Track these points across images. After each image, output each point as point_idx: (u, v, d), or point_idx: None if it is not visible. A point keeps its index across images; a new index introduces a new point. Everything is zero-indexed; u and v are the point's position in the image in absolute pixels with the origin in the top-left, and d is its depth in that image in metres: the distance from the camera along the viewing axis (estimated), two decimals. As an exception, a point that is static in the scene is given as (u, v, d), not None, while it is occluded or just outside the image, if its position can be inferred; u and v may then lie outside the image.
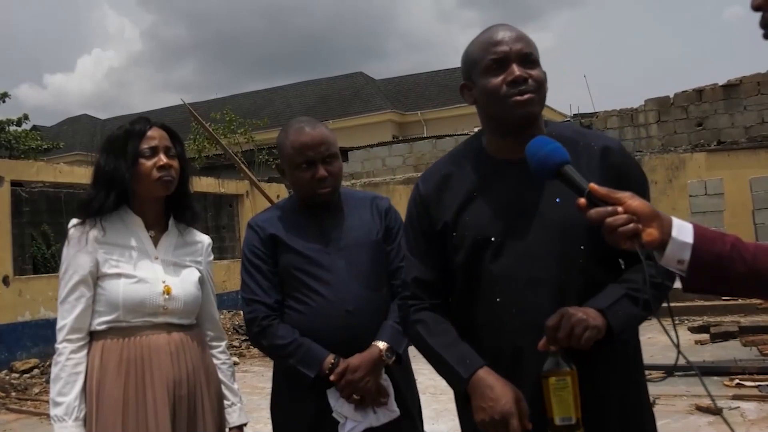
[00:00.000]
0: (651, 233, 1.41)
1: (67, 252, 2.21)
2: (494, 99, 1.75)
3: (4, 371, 9.08)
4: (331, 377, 2.23)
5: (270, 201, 11.71)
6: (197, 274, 2.32)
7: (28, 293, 9.68)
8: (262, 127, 22.63)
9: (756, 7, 1.30)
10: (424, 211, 1.88)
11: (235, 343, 10.62)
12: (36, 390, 8.32)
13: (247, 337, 2.47)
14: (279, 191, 14.02)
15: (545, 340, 1.63)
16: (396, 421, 2.31)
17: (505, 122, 1.77)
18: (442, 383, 1.91)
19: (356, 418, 2.26)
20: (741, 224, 13.26)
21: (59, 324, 2.17)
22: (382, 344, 2.28)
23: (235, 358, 9.63)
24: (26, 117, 23.65)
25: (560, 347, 1.61)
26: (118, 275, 2.17)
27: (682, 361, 1.44)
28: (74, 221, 2.23)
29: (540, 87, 1.76)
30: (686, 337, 8.14)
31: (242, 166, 14.31)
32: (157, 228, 2.30)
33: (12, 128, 23.12)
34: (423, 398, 2.51)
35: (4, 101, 23.10)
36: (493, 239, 1.76)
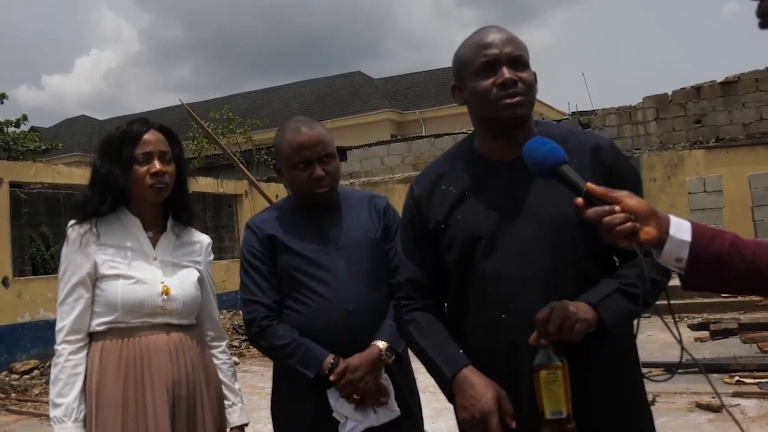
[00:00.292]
0: (649, 232, 1.41)
1: (66, 253, 2.22)
2: (484, 101, 1.78)
3: (4, 372, 9.08)
4: (331, 377, 2.23)
5: (269, 201, 11.71)
6: (196, 275, 2.31)
7: (28, 294, 9.67)
8: (260, 126, 22.62)
9: None
10: (416, 213, 1.91)
11: (235, 343, 10.61)
12: (36, 391, 8.31)
13: (247, 338, 2.48)
14: (278, 191, 14.01)
15: (536, 334, 1.64)
16: (396, 420, 2.31)
17: (495, 123, 1.80)
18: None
19: (356, 417, 2.26)
20: (740, 221, 13.27)
21: (58, 325, 2.17)
22: (381, 344, 2.28)
23: (235, 358, 9.63)
24: (25, 118, 23.64)
25: (551, 341, 1.62)
26: (117, 276, 2.17)
27: (686, 358, 1.45)
28: (72, 223, 2.23)
29: (530, 89, 1.78)
30: (686, 335, 8.14)
31: (241, 166, 14.32)
32: (155, 229, 2.30)
33: (10, 129, 23.10)
34: (423, 397, 2.51)
35: (2, 102, 23.09)
36: (484, 238, 1.78)
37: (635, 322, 1.74)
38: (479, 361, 1.77)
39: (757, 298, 9.40)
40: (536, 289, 1.73)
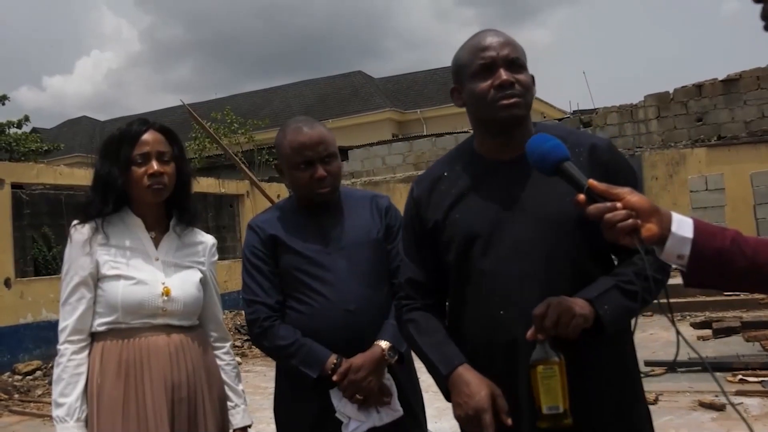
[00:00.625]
0: (650, 228, 1.42)
1: (68, 254, 2.22)
2: (482, 103, 1.81)
3: (7, 373, 9.08)
4: (334, 377, 2.22)
5: (270, 201, 11.69)
6: (199, 275, 2.31)
7: (30, 295, 9.67)
8: (262, 127, 22.62)
9: None
10: (416, 213, 1.95)
11: (238, 343, 10.62)
12: (38, 392, 8.32)
13: (249, 338, 2.48)
14: (279, 191, 14.00)
15: (533, 329, 1.66)
16: (399, 420, 2.31)
17: (493, 124, 1.83)
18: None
19: (359, 418, 2.26)
20: (742, 219, 13.24)
21: (61, 325, 2.18)
22: (384, 343, 2.28)
23: (238, 358, 9.61)
24: (27, 119, 23.65)
25: (548, 336, 1.64)
26: (118, 277, 2.17)
27: (693, 356, 1.45)
28: (75, 223, 2.24)
29: (527, 91, 1.82)
30: (688, 333, 8.13)
31: (242, 166, 14.30)
32: (158, 229, 2.30)
33: (12, 130, 23.13)
34: (426, 397, 2.50)
35: (3, 104, 23.11)
36: (481, 236, 1.81)
37: (633, 319, 1.75)
38: (478, 357, 1.80)
39: (760, 297, 9.39)
40: (533, 286, 1.75)
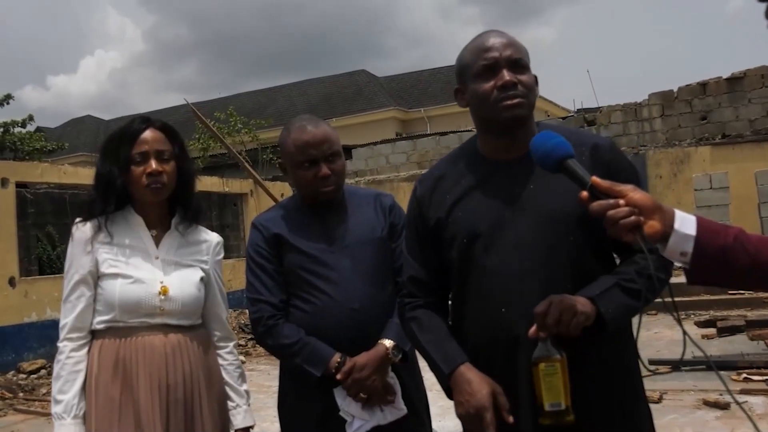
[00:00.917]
0: (653, 226, 1.43)
1: (70, 251, 2.23)
2: (485, 103, 1.83)
3: (11, 372, 9.11)
4: (338, 376, 2.22)
5: (274, 200, 11.72)
6: (200, 274, 2.30)
7: (34, 294, 9.69)
8: (265, 126, 22.62)
9: None
10: (419, 212, 1.97)
11: (242, 342, 10.62)
12: (43, 390, 8.34)
13: (253, 337, 2.48)
14: (283, 190, 14.02)
15: (535, 327, 1.67)
16: (403, 419, 2.30)
17: (496, 124, 1.84)
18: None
19: (363, 416, 2.26)
20: (746, 218, 13.23)
21: (61, 322, 2.19)
22: (388, 342, 2.28)
23: (242, 357, 9.62)
24: (31, 118, 23.66)
25: (550, 334, 1.65)
26: (116, 275, 2.17)
27: (697, 354, 1.46)
28: (78, 220, 2.24)
29: (529, 91, 1.83)
30: (693, 332, 8.11)
31: (246, 165, 14.32)
32: (160, 227, 2.29)
33: (16, 130, 23.15)
34: (430, 395, 2.50)
35: (8, 103, 23.14)
36: (483, 234, 1.82)
37: (634, 317, 1.77)
38: (481, 355, 1.82)
39: (765, 295, 9.37)
40: (535, 283, 1.76)
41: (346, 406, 2.26)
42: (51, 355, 9.25)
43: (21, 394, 8.15)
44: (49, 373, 8.88)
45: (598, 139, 1.91)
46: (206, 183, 13.54)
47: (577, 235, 1.77)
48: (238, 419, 2.32)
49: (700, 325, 8.61)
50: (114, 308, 2.15)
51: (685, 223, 1.43)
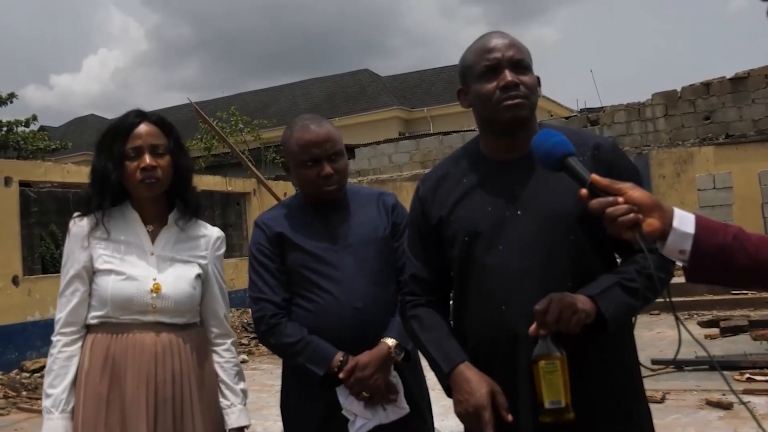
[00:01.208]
0: (652, 223, 1.43)
1: (67, 246, 2.23)
2: (487, 103, 1.84)
3: (15, 371, 9.12)
4: (340, 375, 2.22)
5: (277, 199, 11.73)
6: (196, 271, 2.26)
7: (38, 293, 9.71)
8: (268, 125, 22.63)
9: None
10: (421, 211, 1.99)
11: (244, 341, 10.63)
12: (46, 389, 8.34)
13: (256, 336, 2.49)
14: (286, 189, 14.03)
15: (535, 324, 1.68)
16: (406, 418, 2.30)
17: (497, 125, 1.86)
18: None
19: (366, 415, 2.26)
20: (750, 218, 13.22)
21: (56, 317, 2.19)
22: (390, 341, 2.28)
23: (245, 356, 9.64)
24: (34, 118, 23.75)
25: (550, 331, 1.66)
26: (109, 272, 2.16)
27: (700, 354, 1.47)
28: (75, 215, 2.23)
29: (531, 92, 1.84)
30: (696, 332, 8.08)
31: (249, 164, 14.34)
32: (157, 223, 2.27)
33: (20, 129, 23.21)
34: (432, 395, 2.50)
35: (11, 102, 23.20)
36: (484, 232, 1.84)
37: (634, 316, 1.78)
38: (481, 353, 1.84)
39: (768, 295, 9.35)
40: (535, 282, 1.77)
41: (349, 404, 2.26)
42: (54, 353, 9.30)
43: (24, 393, 8.16)
44: (52, 372, 8.89)
45: (600, 139, 1.93)
46: (209, 182, 13.56)
47: (578, 234, 1.79)
48: (232, 418, 2.26)
49: (703, 325, 8.59)
50: (107, 304, 2.15)
51: (684, 222, 1.44)
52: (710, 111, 16.20)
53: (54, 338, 2.17)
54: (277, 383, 2.55)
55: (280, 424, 2.49)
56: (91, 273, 2.18)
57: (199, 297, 2.28)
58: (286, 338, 2.28)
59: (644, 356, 1.89)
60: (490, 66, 1.83)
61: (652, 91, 17.35)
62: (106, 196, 2.19)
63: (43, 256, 13.76)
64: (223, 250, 2.40)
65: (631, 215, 1.43)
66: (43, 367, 9.06)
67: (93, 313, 2.18)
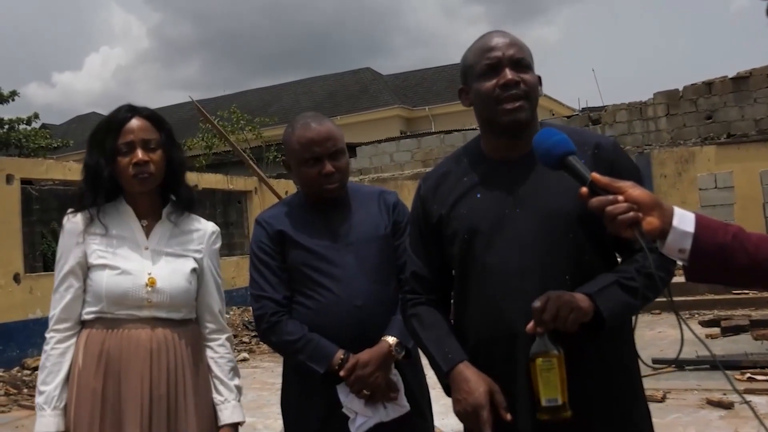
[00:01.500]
0: (651, 222, 1.44)
1: (61, 243, 2.22)
2: (487, 102, 1.85)
3: (16, 368, 9.13)
4: (341, 373, 2.23)
5: (278, 197, 11.73)
6: (191, 265, 2.25)
7: (39, 290, 9.70)
8: (270, 123, 22.64)
9: None
10: (422, 209, 2.00)
11: (245, 339, 10.64)
12: (47, 387, 8.34)
13: (257, 333, 2.48)
14: (287, 187, 14.03)
15: (533, 322, 1.68)
16: (406, 416, 2.31)
17: (497, 126, 1.87)
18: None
19: (366, 413, 2.26)
20: (751, 217, 13.21)
21: (50, 313, 2.18)
22: (391, 339, 2.28)
23: (245, 354, 9.65)
24: (36, 116, 23.78)
25: (547, 329, 1.66)
26: (103, 266, 2.15)
27: (701, 354, 1.47)
28: (69, 212, 2.23)
29: (531, 91, 1.85)
30: (697, 331, 8.07)
31: (250, 162, 14.33)
32: (151, 217, 2.25)
33: (22, 127, 23.24)
34: (433, 393, 2.50)
35: (13, 100, 23.22)
36: (484, 231, 1.84)
37: (633, 315, 1.78)
38: (481, 350, 1.85)
39: (769, 295, 9.34)
40: (534, 281, 1.77)
41: (349, 402, 2.26)
42: (55, 351, 9.30)
43: (25, 390, 8.17)
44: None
45: (601, 138, 1.93)
46: (210, 180, 13.56)
47: (578, 233, 1.79)
48: (225, 414, 2.24)
49: (704, 324, 8.58)
50: (102, 300, 2.14)
51: (684, 221, 1.44)
52: (712, 110, 16.20)
53: (48, 335, 2.16)
54: (278, 381, 2.55)
55: (281, 422, 2.50)
56: (85, 269, 2.18)
57: (195, 292, 2.26)
58: (287, 336, 2.28)
59: (645, 355, 1.89)
60: (491, 64, 1.84)
61: (653, 91, 17.38)
62: (100, 192, 2.18)
63: (44, 254, 13.79)
64: (218, 245, 2.38)
65: (631, 214, 1.43)
66: (44, 365, 9.12)
67: (88, 309, 2.17)
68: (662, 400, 5.55)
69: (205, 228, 2.34)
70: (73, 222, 2.20)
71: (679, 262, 1.49)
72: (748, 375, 6.12)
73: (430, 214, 1.96)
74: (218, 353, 2.30)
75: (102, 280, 2.14)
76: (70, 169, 11.06)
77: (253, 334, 10.51)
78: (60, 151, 24.06)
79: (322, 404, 2.29)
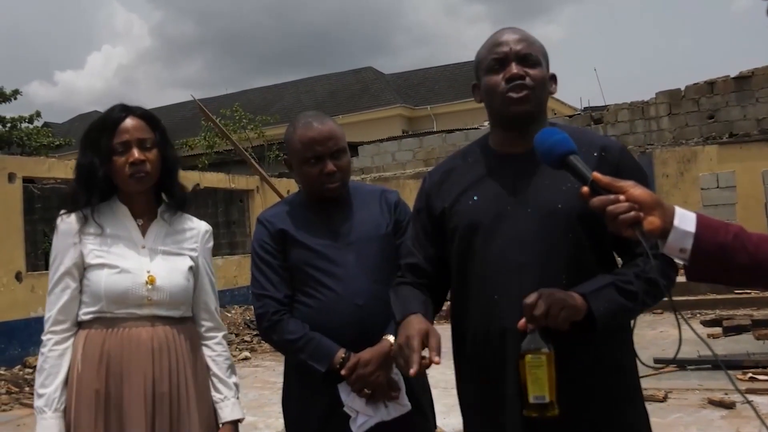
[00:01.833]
0: (652, 221, 1.44)
1: (55, 243, 2.20)
2: (494, 95, 1.88)
3: (18, 367, 9.14)
4: (342, 372, 2.23)
5: (280, 196, 11.73)
6: (188, 263, 2.26)
7: (41, 289, 9.70)
8: (272, 122, 22.63)
9: None
10: (426, 203, 2.02)
11: (247, 338, 10.65)
12: (49, 385, 8.34)
13: (258, 332, 2.48)
14: (289, 186, 14.03)
15: (524, 319, 1.68)
16: (407, 415, 2.30)
17: (503, 118, 1.89)
18: (454, 378, 1.99)
19: (367, 412, 2.26)
20: (753, 217, 13.19)
21: (46, 315, 2.17)
22: (392, 338, 2.27)
23: (247, 353, 9.66)
24: (38, 114, 23.81)
25: (538, 326, 1.66)
26: (102, 266, 2.15)
27: (702, 353, 1.47)
28: (62, 212, 2.22)
29: (537, 85, 1.86)
30: (699, 331, 8.08)
31: (252, 161, 14.34)
32: (146, 216, 2.26)
33: (24, 125, 23.27)
34: (434, 393, 2.50)
35: (15, 98, 23.25)
36: (484, 225, 1.85)
37: (629, 318, 1.78)
38: (476, 344, 1.87)
39: (771, 294, 9.33)
40: (531, 277, 1.77)
41: (350, 401, 2.26)
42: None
43: (27, 389, 8.17)
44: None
45: (608, 140, 1.95)
46: (212, 179, 13.57)
47: (578, 232, 1.79)
48: (225, 412, 2.26)
49: (706, 324, 8.57)
50: (101, 299, 2.13)
51: (685, 220, 1.44)
52: (714, 110, 16.18)
53: (44, 337, 2.15)
54: (280, 380, 2.55)
55: (282, 421, 2.49)
56: (82, 269, 2.17)
57: (192, 289, 2.27)
58: (288, 335, 2.28)
59: (647, 355, 1.88)
60: (498, 59, 1.87)
61: (655, 90, 17.38)
62: (94, 192, 2.18)
63: (46, 253, 13.77)
64: (211, 244, 2.39)
65: (632, 213, 1.43)
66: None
67: (85, 309, 2.16)
68: (664, 399, 5.55)
69: (198, 227, 2.36)
70: (67, 222, 2.19)
71: (680, 262, 1.49)
72: (750, 375, 6.12)
73: (434, 207, 1.98)
74: (216, 351, 2.32)
75: (101, 279, 2.14)
76: (72, 168, 11.04)
77: (255, 332, 10.51)
78: (62, 150, 24.07)
79: (323, 403, 2.29)
